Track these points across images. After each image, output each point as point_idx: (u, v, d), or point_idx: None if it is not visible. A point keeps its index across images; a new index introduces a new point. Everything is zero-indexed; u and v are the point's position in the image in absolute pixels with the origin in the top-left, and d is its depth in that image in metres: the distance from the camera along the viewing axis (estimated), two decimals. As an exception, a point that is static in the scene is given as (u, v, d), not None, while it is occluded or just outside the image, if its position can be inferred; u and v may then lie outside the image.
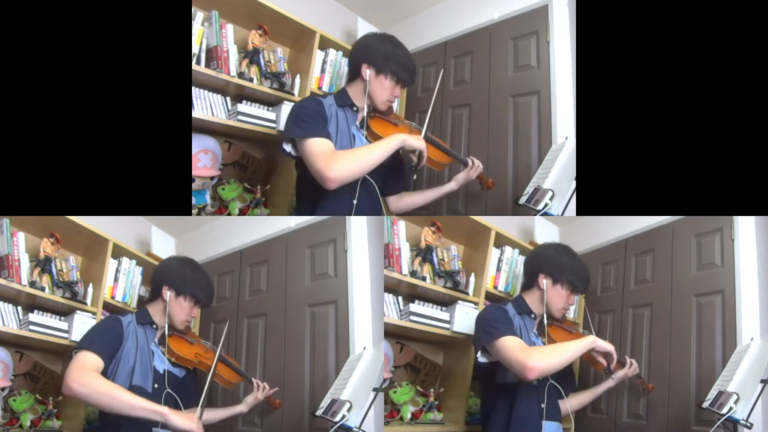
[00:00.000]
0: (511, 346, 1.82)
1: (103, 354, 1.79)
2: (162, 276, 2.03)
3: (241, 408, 2.20)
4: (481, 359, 1.94)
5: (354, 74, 1.99)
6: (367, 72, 1.94)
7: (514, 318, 1.99)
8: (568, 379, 2.10)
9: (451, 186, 2.16)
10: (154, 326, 1.99)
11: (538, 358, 1.77)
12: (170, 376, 1.97)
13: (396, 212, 2.20)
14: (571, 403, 2.11)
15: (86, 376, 1.70)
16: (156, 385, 1.92)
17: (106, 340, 1.85)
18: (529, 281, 2.07)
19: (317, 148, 1.83)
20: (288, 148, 1.93)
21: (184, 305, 1.99)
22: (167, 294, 1.98)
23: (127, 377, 1.87)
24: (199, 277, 2.05)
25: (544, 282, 2.01)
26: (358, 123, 1.98)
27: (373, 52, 1.94)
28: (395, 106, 2.13)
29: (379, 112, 1.99)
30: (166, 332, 1.98)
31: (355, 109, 1.98)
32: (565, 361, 1.82)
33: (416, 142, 1.91)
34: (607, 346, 1.87)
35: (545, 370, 1.79)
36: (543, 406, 1.92)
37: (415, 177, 2.01)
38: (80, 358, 1.76)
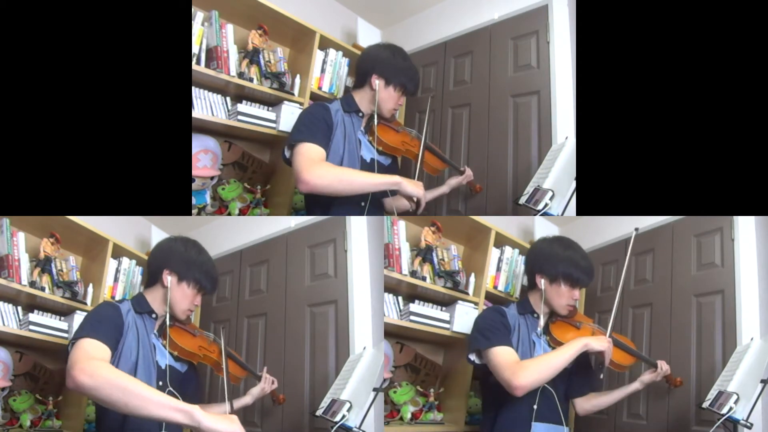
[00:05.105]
0: (500, 360, 1.82)
1: (108, 342, 1.56)
2: (163, 258, 1.81)
3: (246, 400, 2.08)
4: (472, 357, 1.94)
5: (362, 82, 2.07)
6: (377, 83, 2.03)
7: (514, 319, 1.97)
8: (581, 378, 2.05)
9: (443, 189, 2.31)
10: (153, 315, 1.79)
11: (525, 375, 1.75)
12: (172, 371, 1.79)
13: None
14: (592, 403, 2.09)
15: (93, 364, 1.41)
16: (160, 383, 1.75)
17: (108, 328, 1.62)
18: (530, 281, 2.05)
19: (311, 155, 1.89)
20: (288, 154, 1.96)
21: (188, 292, 1.80)
22: (168, 279, 1.77)
23: (129, 374, 1.57)
24: (205, 260, 1.86)
25: (542, 281, 1.98)
26: (363, 128, 2.07)
27: (385, 65, 2.04)
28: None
29: (383, 118, 2.07)
30: (168, 323, 1.79)
31: (360, 114, 2.07)
32: (557, 369, 1.80)
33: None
34: (599, 346, 1.83)
35: (533, 385, 1.78)
36: (534, 407, 1.88)
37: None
38: (83, 346, 1.50)
